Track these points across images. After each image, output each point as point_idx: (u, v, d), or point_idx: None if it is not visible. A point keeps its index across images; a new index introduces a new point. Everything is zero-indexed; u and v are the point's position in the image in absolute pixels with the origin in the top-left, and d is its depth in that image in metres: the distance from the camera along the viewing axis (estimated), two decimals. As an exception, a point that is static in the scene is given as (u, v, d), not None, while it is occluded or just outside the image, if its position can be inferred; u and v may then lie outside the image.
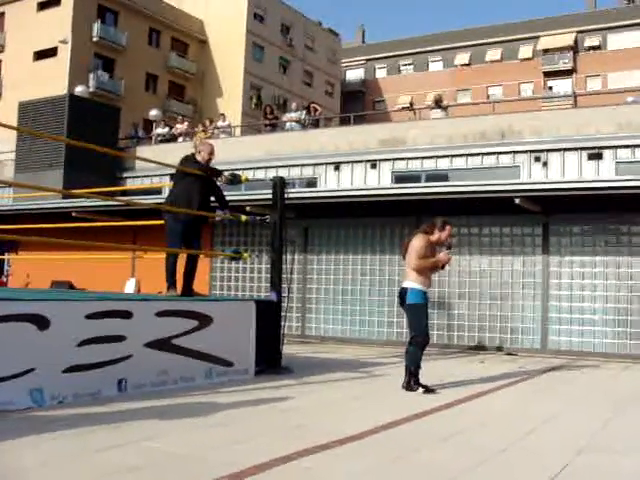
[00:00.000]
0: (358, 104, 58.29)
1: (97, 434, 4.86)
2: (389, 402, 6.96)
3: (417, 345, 7.54)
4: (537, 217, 12.89)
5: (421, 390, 7.38)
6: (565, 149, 17.63)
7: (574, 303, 12.70)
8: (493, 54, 58.62)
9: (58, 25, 41.15)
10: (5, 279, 18.23)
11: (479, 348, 13.10)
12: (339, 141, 21.00)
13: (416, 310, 7.51)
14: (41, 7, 43.01)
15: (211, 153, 9.07)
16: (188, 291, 8.97)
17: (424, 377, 7.56)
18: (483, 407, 6.91)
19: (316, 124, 23.75)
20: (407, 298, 7.50)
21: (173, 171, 10.13)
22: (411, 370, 7.51)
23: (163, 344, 7.13)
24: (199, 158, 9.03)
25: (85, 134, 16.48)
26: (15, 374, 5.68)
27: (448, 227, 7.74)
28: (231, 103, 46.94)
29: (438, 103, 21.64)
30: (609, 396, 7.91)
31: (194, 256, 9.22)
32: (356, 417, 6.01)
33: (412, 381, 7.47)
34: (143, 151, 23.37)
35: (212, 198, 9.27)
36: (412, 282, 7.52)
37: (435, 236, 7.66)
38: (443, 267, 7.91)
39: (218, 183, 9.28)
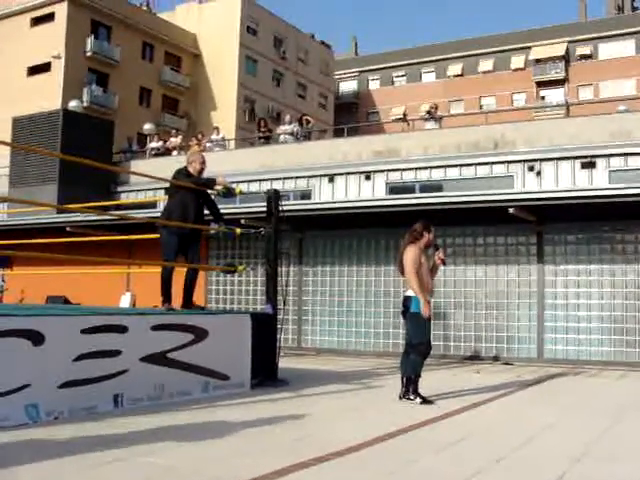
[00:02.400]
0: (352, 116, 58.45)
1: (94, 450, 4.83)
2: (386, 413, 6.95)
3: (419, 354, 7.54)
4: (531, 226, 12.91)
5: (418, 401, 7.37)
6: (558, 158, 17.71)
7: (570, 312, 12.71)
8: (485, 65, 58.85)
9: (52, 40, 41.19)
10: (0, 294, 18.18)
11: (475, 358, 13.11)
12: (333, 153, 21.05)
13: (419, 318, 7.51)
14: (35, 22, 43.06)
15: (203, 163, 9.13)
16: (187, 303, 8.96)
17: (421, 388, 7.55)
18: (480, 417, 6.90)
19: (308, 136, 23.81)
20: (411, 306, 7.51)
21: (167, 185, 10.12)
22: (411, 378, 7.49)
23: (159, 358, 7.10)
24: (191, 169, 9.07)
25: (79, 149, 16.50)
26: (10, 390, 5.65)
27: (432, 228, 7.77)
28: (225, 116, 46.98)
29: (431, 113, 21.67)
30: (606, 404, 7.91)
31: (194, 269, 9.21)
32: (353, 429, 6.00)
33: (411, 390, 7.46)
34: (137, 165, 23.40)
35: (207, 211, 9.29)
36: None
37: (424, 240, 7.69)
38: (444, 263, 7.94)
39: (212, 196, 9.30)
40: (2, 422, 5.48)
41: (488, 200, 12.19)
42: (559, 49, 55.38)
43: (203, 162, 9.16)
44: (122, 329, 6.77)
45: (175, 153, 24.90)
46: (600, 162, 17.28)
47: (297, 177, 21.17)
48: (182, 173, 9.05)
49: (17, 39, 42.80)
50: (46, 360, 5.98)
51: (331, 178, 20.65)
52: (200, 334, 7.65)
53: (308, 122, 23.88)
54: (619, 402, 8.12)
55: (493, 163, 18.64)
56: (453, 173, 19.07)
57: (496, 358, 12.99)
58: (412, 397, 7.43)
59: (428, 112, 22.01)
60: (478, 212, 12.46)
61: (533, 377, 10.47)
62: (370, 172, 20.15)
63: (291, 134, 23.06)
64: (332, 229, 14.64)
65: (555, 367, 11.97)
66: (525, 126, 19.64)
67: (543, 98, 54.31)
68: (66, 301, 16.09)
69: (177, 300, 8.94)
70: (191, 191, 8.91)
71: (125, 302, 15.90)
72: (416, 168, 19.56)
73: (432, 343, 7.78)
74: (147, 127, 28.55)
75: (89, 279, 15.26)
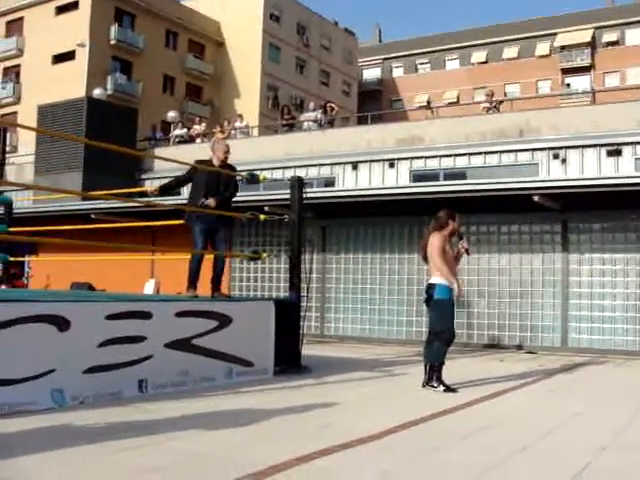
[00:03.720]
0: (375, 103, 58.16)
1: (118, 434, 4.87)
2: (409, 401, 6.95)
3: (443, 341, 7.53)
4: (556, 214, 12.81)
5: (442, 389, 7.36)
6: (584, 146, 17.53)
7: (594, 301, 12.61)
8: (510, 51, 58.30)
9: (76, 29, 41.37)
10: (25, 281, 18.37)
11: (499, 346, 13.06)
12: (357, 140, 20.99)
13: (443, 306, 7.51)
14: (59, 11, 43.26)
15: (226, 152, 9.11)
16: (216, 291, 8.98)
17: (444, 376, 7.53)
18: (503, 406, 6.88)
19: (332, 124, 23.75)
20: (434, 293, 7.50)
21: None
22: (434, 366, 7.49)
23: (183, 344, 7.15)
24: (215, 159, 9.07)
25: (103, 136, 16.54)
26: (36, 375, 5.72)
27: (457, 216, 7.74)
28: (248, 104, 46.98)
29: (491, 103, 21.10)
30: (631, 394, 7.85)
31: (221, 258, 9.22)
32: (376, 416, 6.00)
33: (434, 377, 7.45)
34: (161, 152, 23.47)
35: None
36: (439, 278, 7.52)
37: (449, 228, 7.67)
38: (468, 252, 7.92)
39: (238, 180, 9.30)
40: (28, 406, 5.55)
41: (513, 188, 12.11)
42: (585, 35, 54.72)
43: (227, 151, 9.15)
44: (146, 315, 6.82)
45: (199, 141, 24.95)
46: (626, 150, 17.09)
47: (321, 165, 21.14)
48: (205, 163, 9.09)
49: (42, 28, 43.04)
50: (71, 345, 6.04)
51: (355, 166, 20.60)
52: (224, 321, 7.69)
53: (332, 109, 23.80)
54: (644, 392, 8.06)
55: (518, 151, 18.50)
56: (477, 161, 18.95)
57: (519, 347, 12.94)
58: (435, 385, 7.42)
59: (488, 98, 21.46)
60: (502, 200, 12.39)
61: (557, 366, 10.41)
62: (394, 160, 20.07)
63: (315, 121, 23.02)
64: (356, 217, 14.62)
65: (579, 356, 11.91)
66: (550, 113, 19.46)
67: (568, 85, 53.76)
68: (91, 287, 16.21)
69: (202, 287, 8.97)
70: (211, 177, 8.92)
71: (149, 288, 16.00)
72: (440, 156, 19.46)
73: (455, 331, 7.76)
74: (171, 115, 28.61)
75: (113, 266, 15.35)
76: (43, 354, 5.83)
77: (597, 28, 54.66)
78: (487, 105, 21.23)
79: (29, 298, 6.63)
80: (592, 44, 54.72)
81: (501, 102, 21.93)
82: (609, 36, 54.48)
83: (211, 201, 8.72)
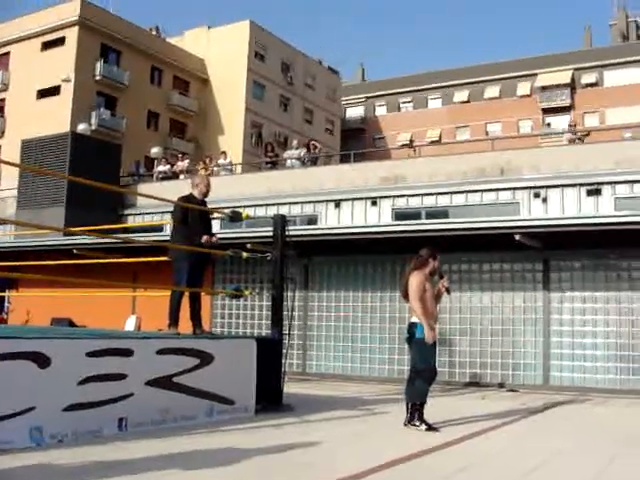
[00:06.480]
0: (358, 141, 58.53)
1: (96, 474, 4.83)
2: (391, 440, 6.92)
3: (424, 380, 7.53)
4: (537, 253, 12.90)
5: (424, 427, 7.34)
6: (564, 185, 17.71)
7: (576, 339, 12.66)
8: (491, 91, 59.04)
9: (62, 64, 41.53)
10: (5, 316, 18.19)
11: (480, 385, 13.04)
12: (340, 178, 21.11)
13: (425, 344, 7.51)
14: (45, 46, 43.46)
15: (207, 185, 9.26)
16: (199, 328, 8.97)
17: (426, 414, 7.51)
18: (485, 445, 6.86)
19: (315, 161, 23.88)
20: (416, 332, 7.51)
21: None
22: (416, 405, 7.47)
23: (164, 382, 7.10)
24: (196, 192, 9.15)
25: (87, 171, 16.56)
26: (15, 413, 5.66)
27: (437, 256, 7.80)
28: (232, 140, 47.18)
29: (575, 128, 20.92)
30: (613, 433, 7.85)
31: (198, 294, 9.21)
32: (358, 455, 5.97)
33: (416, 416, 7.43)
34: (144, 188, 23.50)
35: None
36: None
37: (429, 268, 7.72)
38: (448, 291, 7.96)
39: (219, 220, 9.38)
40: (6, 445, 5.48)
41: (494, 227, 12.19)
42: (565, 76, 55.59)
43: (208, 185, 9.28)
44: (127, 352, 6.77)
45: (182, 177, 24.98)
46: (606, 189, 17.29)
47: (303, 202, 21.21)
48: (188, 199, 9.13)
49: (28, 63, 43.22)
50: (51, 383, 5.98)
51: (337, 203, 20.69)
52: (205, 358, 7.65)
53: (315, 147, 23.96)
54: (628, 430, 8.06)
55: (499, 190, 18.67)
56: (459, 199, 19.10)
57: (501, 385, 12.93)
58: (417, 424, 7.40)
59: (572, 128, 21.33)
60: (484, 239, 12.47)
61: (539, 404, 10.41)
62: (376, 198, 20.18)
63: (298, 159, 23.15)
64: (338, 254, 14.64)
65: (561, 394, 11.90)
66: (531, 153, 19.68)
67: (549, 125, 54.43)
68: (71, 323, 16.06)
69: (183, 324, 8.94)
70: (197, 216, 8.97)
71: (130, 325, 15.86)
72: (422, 194, 19.60)
73: (437, 369, 7.76)
74: (154, 151, 28.69)
75: (94, 301, 15.24)
76: (22, 392, 5.76)
77: (576, 69, 55.58)
78: (571, 136, 21.09)
79: (9, 334, 6.58)
80: (572, 85, 55.58)
81: (587, 134, 21.69)
82: (588, 77, 55.39)
83: (207, 238, 8.78)
